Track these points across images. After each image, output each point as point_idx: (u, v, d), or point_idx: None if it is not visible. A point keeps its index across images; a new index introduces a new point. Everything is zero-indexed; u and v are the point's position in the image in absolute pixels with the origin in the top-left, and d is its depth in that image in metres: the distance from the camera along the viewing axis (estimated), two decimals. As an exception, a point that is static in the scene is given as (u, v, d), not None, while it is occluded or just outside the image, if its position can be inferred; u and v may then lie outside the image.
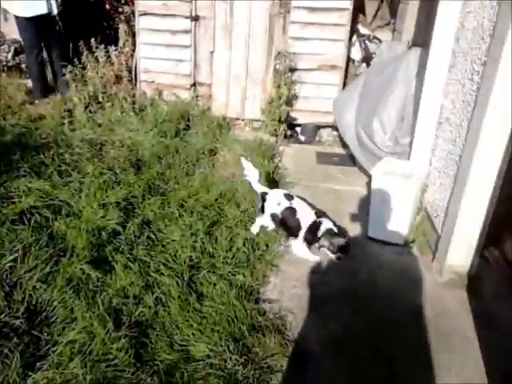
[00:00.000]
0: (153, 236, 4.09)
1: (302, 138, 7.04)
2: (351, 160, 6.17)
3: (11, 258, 3.37)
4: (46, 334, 3.00)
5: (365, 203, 5.01)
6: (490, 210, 3.62)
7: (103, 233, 3.95)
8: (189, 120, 6.69)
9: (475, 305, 3.73)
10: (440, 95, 4.61)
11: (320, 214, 4.19)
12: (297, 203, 4.22)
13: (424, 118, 4.77)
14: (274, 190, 4.44)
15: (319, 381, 2.96)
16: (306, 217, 4.11)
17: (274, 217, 4.28)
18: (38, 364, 2.77)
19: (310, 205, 4.38)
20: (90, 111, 6.49)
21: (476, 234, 3.76)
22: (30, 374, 2.70)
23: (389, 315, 3.58)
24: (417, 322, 3.53)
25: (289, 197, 4.28)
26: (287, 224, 4.21)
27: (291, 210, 4.16)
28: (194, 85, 7.16)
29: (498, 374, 3.00)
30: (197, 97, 7.14)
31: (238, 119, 7.21)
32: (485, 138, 3.52)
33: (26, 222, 3.79)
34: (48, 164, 4.73)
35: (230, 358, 2.93)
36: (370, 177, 4.94)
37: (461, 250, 3.86)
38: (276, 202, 4.23)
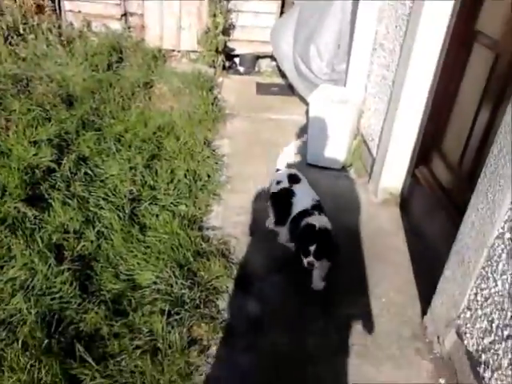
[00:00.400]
0: (90, 172, 3.98)
1: (241, 68, 6.93)
2: (290, 89, 6.18)
3: None
4: (-17, 273, 2.92)
5: (304, 131, 5.09)
6: (420, 132, 3.79)
7: (37, 171, 3.80)
8: (121, 52, 6.37)
9: (406, 221, 3.99)
10: (374, 21, 4.63)
11: (317, 207, 3.31)
12: (299, 187, 3.48)
13: (359, 44, 4.80)
14: (285, 168, 3.71)
15: (262, 297, 3.11)
16: (299, 204, 3.36)
17: (270, 196, 3.65)
18: (-22, 303, 2.72)
19: (313, 194, 3.48)
20: (10, 44, 6.00)
21: (407, 156, 3.96)
22: (-30, 313, 2.65)
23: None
24: (353, 239, 3.74)
25: (293, 178, 3.55)
26: (276, 206, 3.59)
27: (287, 193, 3.45)
28: (124, 15, 6.75)
29: (426, 281, 3.28)
30: (129, 28, 6.78)
31: (173, 51, 6.94)
32: (415, 62, 3.61)
33: (-51, 162, 3.57)
34: (-31, 101, 4.41)
35: (176, 283, 3.00)
36: (308, 105, 4.98)
37: (394, 171, 4.07)
38: (276, 180, 3.60)
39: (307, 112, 5.30)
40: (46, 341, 2.50)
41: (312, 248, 2.97)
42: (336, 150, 4.60)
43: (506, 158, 2.15)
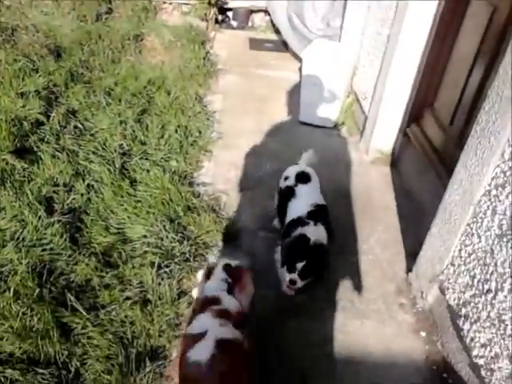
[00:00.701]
0: (80, 125, 3.94)
1: (234, 23, 6.75)
2: (284, 46, 6.05)
3: None
4: (-28, 224, 2.93)
5: (297, 88, 5.02)
6: (413, 90, 3.76)
7: (25, 123, 3.75)
8: (110, 2, 6.15)
9: (397, 180, 4.02)
10: (371, -26, 4.49)
11: (315, 214, 2.84)
12: (303, 188, 3.02)
13: (355, -2, 4.68)
14: (299, 164, 3.31)
15: (251, 252, 3.16)
16: (295, 209, 2.92)
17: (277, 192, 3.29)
18: (-32, 253, 2.74)
19: (316, 197, 3.05)
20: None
21: (400, 114, 3.93)
22: (-40, 261, 2.67)
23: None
24: (343, 197, 3.77)
25: (301, 177, 3.09)
26: (278, 205, 3.23)
27: (288, 192, 3.04)
28: (113, -37, 6.47)
29: (412, 238, 3.34)
30: (118, -23, 6.50)
31: (165, 3, 6.72)
32: (410, 17, 3.53)
33: None
34: (-50, 50, 4.27)
35: (167, 237, 3.03)
36: (301, 62, 4.90)
37: (385, 129, 4.05)
38: (285, 175, 3.20)
39: (300, 69, 5.22)
40: (37, 290, 2.54)
41: (300, 265, 2.61)
42: (329, 108, 4.55)
43: (496, 114, 2.14)
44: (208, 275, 2.31)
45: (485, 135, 2.23)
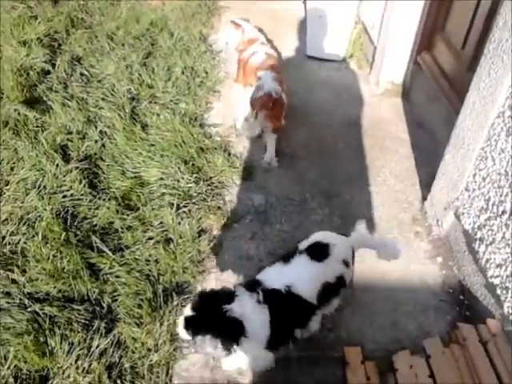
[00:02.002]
0: (86, 72, 3.91)
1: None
2: (287, -23, 5.79)
3: None
4: (-6, 174, 3.00)
5: (303, 22, 4.88)
6: (423, 16, 3.63)
7: (31, 72, 3.72)
8: None
9: (408, 111, 3.98)
10: None
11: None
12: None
13: None
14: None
15: (267, 187, 3.22)
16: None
17: None
18: (-5, 201, 2.83)
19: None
20: None
21: (410, 42, 3.84)
22: (-11, 208, 2.76)
23: (329, 128, 3.78)
24: (355, 131, 3.76)
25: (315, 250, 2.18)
26: None
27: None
28: None
29: (426, 168, 3.36)
30: None
31: None
32: None
33: None
34: None
35: (183, 178, 3.07)
36: (306, -7, 4.73)
37: (396, 59, 3.97)
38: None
39: (305, 1, 5.04)
40: (63, 234, 2.64)
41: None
42: (336, 40, 4.44)
43: (509, 31, 2.09)
44: None
45: (498, 54, 2.19)
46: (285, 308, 1.98)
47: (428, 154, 3.46)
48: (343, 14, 4.29)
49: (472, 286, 2.53)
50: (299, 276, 2.05)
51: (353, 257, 2.25)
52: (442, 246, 2.90)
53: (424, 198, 3.15)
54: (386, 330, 2.51)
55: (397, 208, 3.16)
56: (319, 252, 2.11)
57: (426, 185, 3.20)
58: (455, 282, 2.71)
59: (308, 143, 3.61)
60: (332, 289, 2.14)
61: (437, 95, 3.51)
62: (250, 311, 1.89)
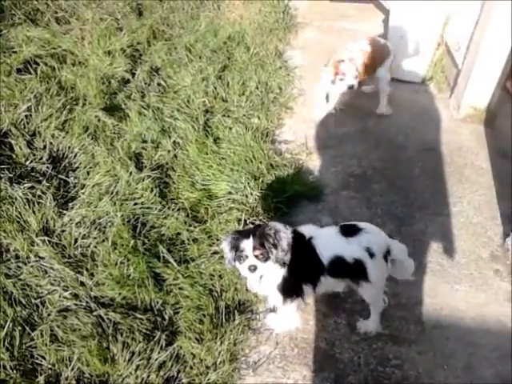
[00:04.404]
0: (163, 83, 4.00)
1: (313, -27, 6.43)
2: (367, -5, 5.69)
3: (25, 107, 3.35)
4: (72, 178, 3.12)
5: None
6: (517, 39, 3.42)
7: (112, 81, 3.87)
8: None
9: (491, 139, 3.74)
10: None
11: None
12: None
13: None
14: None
15: (336, 210, 3.11)
16: None
17: None
18: (71, 204, 2.92)
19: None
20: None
21: (499, 66, 3.61)
22: (65, 212, 2.86)
23: (405, 151, 3.63)
24: (432, 157, 3.58)
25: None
26: None
27: None
28: None
29: (509, 201, 3.12)
30: None
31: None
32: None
33: (31, 71, 3.68)
34: (43, 11, 4.44)
35: (251, 194, 3.04)
36: (386, 13, 4.61)
37: (481, 83, 3.74)
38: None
39: (385, 21, 4.92)
40: (132, 241, 2.67)
41: None
42: (417, 62, 4.27)
43: None
44: None
45: None
46: (302, 251, 2.22)
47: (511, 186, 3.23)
48: (426, 34, 4.13)
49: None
50: (323, 235, 2.27)
51: (386, 256, 2.25)
52: (525, 289, 2.67)
53: (506, 234, 2.93)
54: (459, 374, 2.34)
55: (474, 242, 2.95)
56: (348, 230, 2.26)
57: (509, 219, 2.98)
58: (539, 329, 2.48)
59: (382, 166, 3.47)
60: (346, 268, 2.22)
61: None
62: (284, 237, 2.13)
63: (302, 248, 2.22)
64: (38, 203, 2.83)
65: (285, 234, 2.14)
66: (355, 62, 3.60)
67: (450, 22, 4.35)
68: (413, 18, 4.12)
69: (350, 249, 2.19)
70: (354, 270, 2.22)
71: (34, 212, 2.79)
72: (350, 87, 3.60)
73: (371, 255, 2.18)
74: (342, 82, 3.61)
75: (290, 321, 2.45)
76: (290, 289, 2.28)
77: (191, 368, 2.25)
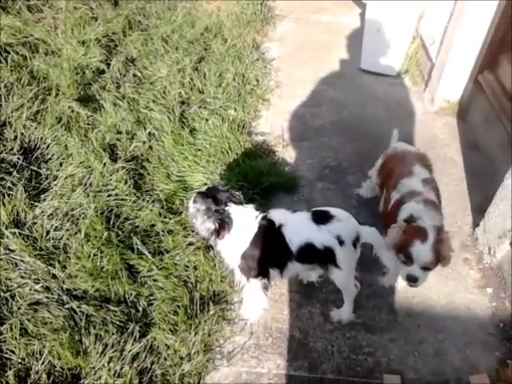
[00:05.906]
0: (139, 73, 3.95)
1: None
2: (344, -11, 5.71)
3: (-5, 97, 3.27)
4: (44, 169, 3.06)
5: (358, 35, 4.77)
6: (489, 32, 3.47)
7: (87, 71, 3.80)
8: None
9: (463, 131, 3.81)
10: None
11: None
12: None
13: None
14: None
15: (312, 201, 3.13)
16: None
17: None
18: (43, 196, 2.88)
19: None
20: None
21: (471, 60, 3.67)
22: (37, 204, 2.81)
23: (380, 143, 3.65)
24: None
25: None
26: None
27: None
28: None
29: (479, 193, 3.19)
30: None
31: None
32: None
33: (1, 60, 3.61)
34: (14, -2, 4.33)
35: (227, 185, 3.01)
36: (363, 7, 4.63)
37: (454, 77, 3.81)
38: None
39: (362, 14, 4.95)
40: (105, 233, 2.65)
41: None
42: (392, 55, 4.32)
43: None
44: None
45: None
46: (270, 238, 2.26)
47: (482, 178, 3.30)
48: (402, 28, 4.16)
49: (527, 323, 2.36)
50: (294, 222, 2.28)
51: (355, 243, 2.27)
52: (493, 276, 2.74)
53: (475, 224, 2.99)
54: (429, 360, 2.39)
55: (445, 232, 3.01)
56: (320, 216, 2.27)
57: (478, 210, 3.04)
58: (506, 315, 2.56)
59: (356, 158, 3.50)
60: (315, 254, 2.24)
61: (497, 117, 3.34)
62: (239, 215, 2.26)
63: (271, 236, 2.26)
64: (9, 195, 2.78)
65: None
66: None
67: (424, 16, 4.40)
68: (388, 12, 4.15)
69: (321, 236, 2.22)
70: (322, 257, 2.26)
71: (3, 204, 2.73)
72: None
73: (341, 243, 2.21)
74: None
75: (256, 301, 2.46)
76: (251, 270, 2.31)
77: (165, 359, 2.25)
